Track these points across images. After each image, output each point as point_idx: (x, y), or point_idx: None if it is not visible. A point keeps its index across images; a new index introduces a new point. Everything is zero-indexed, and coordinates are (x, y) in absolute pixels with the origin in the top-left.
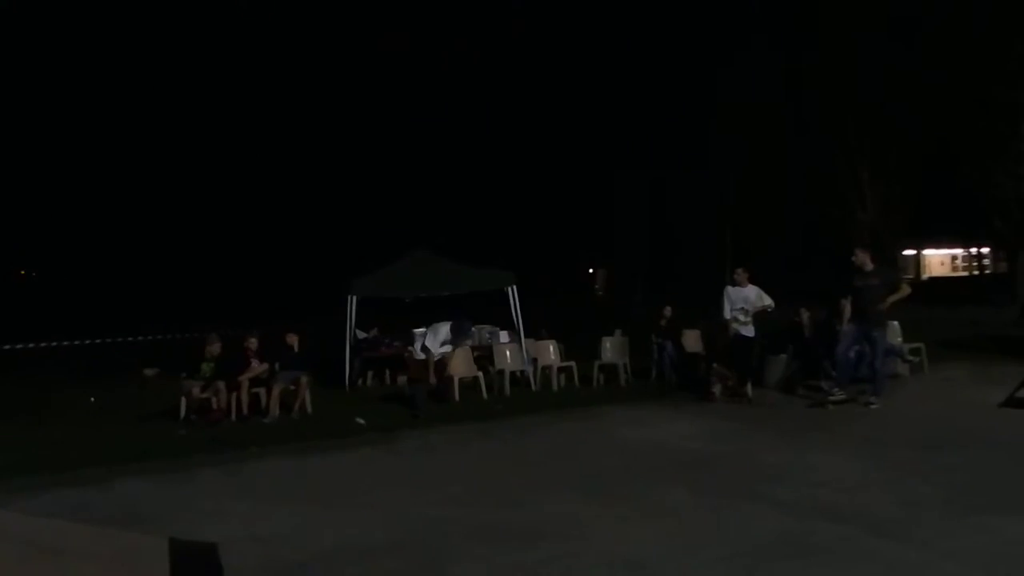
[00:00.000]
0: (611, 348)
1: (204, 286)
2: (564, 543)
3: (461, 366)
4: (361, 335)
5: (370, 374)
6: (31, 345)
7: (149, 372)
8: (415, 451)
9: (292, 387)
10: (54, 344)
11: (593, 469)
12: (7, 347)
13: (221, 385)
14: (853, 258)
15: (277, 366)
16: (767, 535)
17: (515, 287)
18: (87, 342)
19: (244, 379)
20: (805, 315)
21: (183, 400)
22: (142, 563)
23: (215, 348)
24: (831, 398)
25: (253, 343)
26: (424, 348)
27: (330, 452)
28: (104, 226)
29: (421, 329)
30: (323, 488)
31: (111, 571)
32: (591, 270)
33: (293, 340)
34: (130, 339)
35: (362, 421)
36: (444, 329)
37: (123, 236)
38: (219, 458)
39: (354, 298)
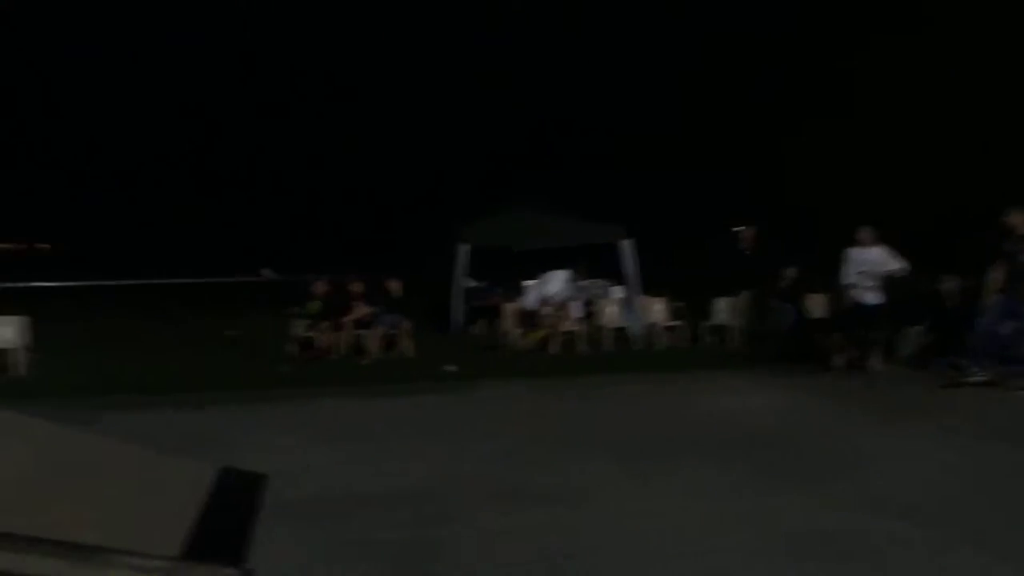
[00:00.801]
0: (724, 309)
1: (318, 230)
2: (571, 511)
3: (564, 319)
4: (470, 283)
5: (482, 323)
6: (176, 281)
7: (230, 334)
8: (484, 402)
9: (393, 331)
10: (200, 281)
11: (644, 437)
12: (155, 281)
13: (325, 325)
14: (1006, 219)
15: (379, 310)
16: (802, 528)
17: (629, 241)
18: (224, 280)
19: (347, 321)
20: (951, 283)
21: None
22: (180, 487)
23: (322, 287)
24: (969, 378)
25: (358, 287)
26: (543, 298)
27: (407, 396)
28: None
29: (533, 280)
30: (382, 431)
31: (146, 492)
32: (740, 227)
33: (395, 286)
34: (254, 279)
35: (452, 368)
36: (557, 280)
37: (239, 178)
38: (303, 393)
39: (464, 246)
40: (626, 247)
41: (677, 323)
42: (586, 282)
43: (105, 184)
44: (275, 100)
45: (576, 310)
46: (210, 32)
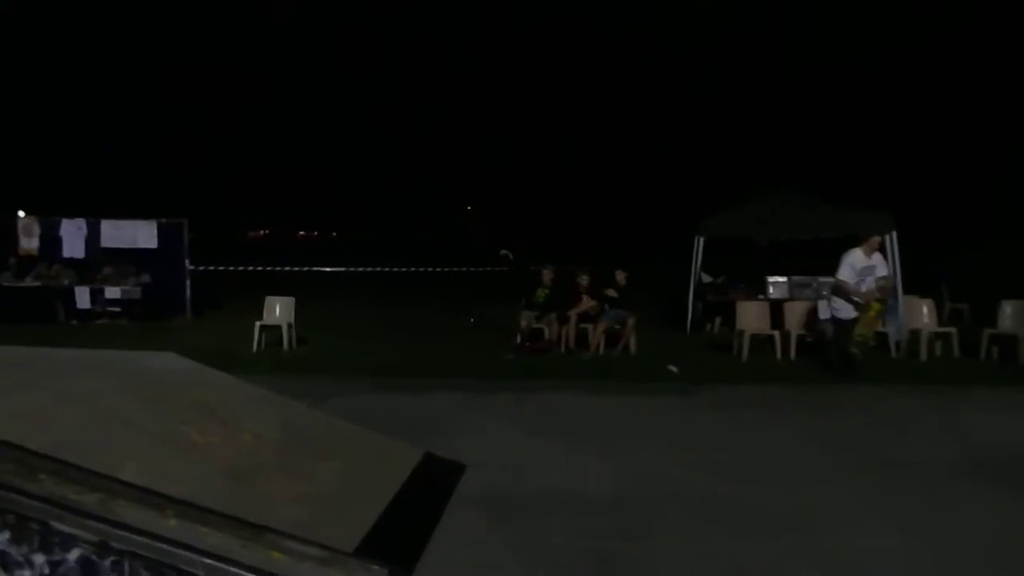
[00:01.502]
0: (1012, 315)
1: (550, 221)
2: (786, 540)
3: (797, 320)
4: (707, 278)
5: (718, 320)
6: (440, 269)
7: (474, 319)
8: (709, 407)
9: (617, 326)
10: (463, 269)
11: (889, 462)
12: (425, 270)
13: (552, 317)
14: None
15: (607, 305)
16: None
17: (895, 233)
18: (472, 269)
19: (573, 314)
20: None
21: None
22: (384, 468)
23: (548, 275)
24: None
25: (584, 279)
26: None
27: (626, 395)
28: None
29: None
30: (595, 430)
31: (356, 466)
32: None
33: (621, 277)
34: (488, 269)
35: (675, 369)
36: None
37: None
38: (524, 385)
39: (701, 239)
40: (891, 240)
41: (949, 329)
42: (819, 279)
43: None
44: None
45: (822, 311)
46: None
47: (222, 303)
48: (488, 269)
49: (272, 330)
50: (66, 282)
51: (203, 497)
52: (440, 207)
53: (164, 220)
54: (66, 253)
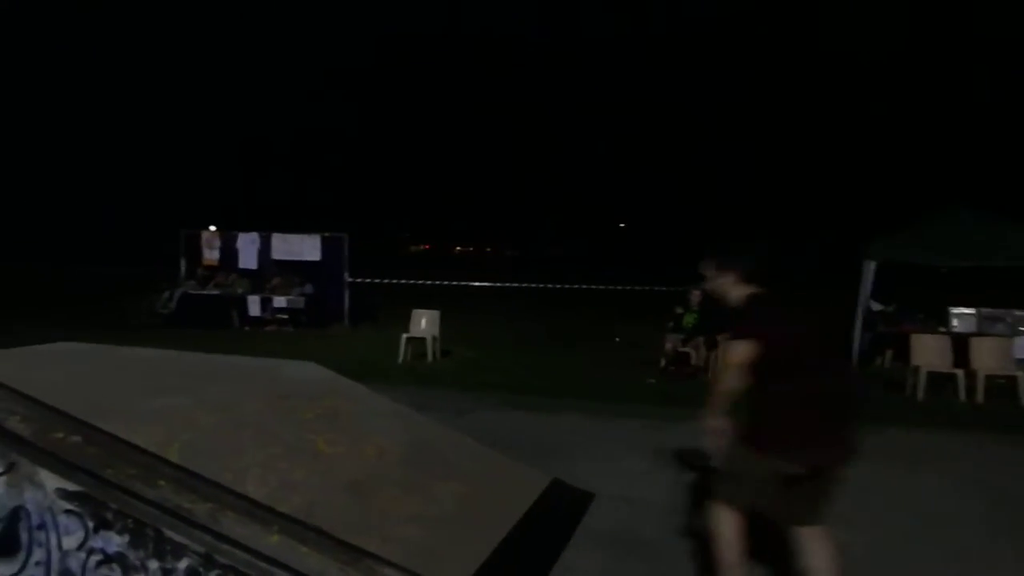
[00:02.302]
0: None
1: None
2: None
3: (987, 358)
4: (877, 307)
5: (889, 354)
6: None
7: (619, 338)
8: (879, 454)
9: None
10: (615, 288)
11: None
12: (577, 287)
13: (700, 341)
14: None
15: None
16: None
17: None
18: (621, 287)
19: (724, 337)
20: None
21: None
22: (507, 491)
23: (696, 297)
24: None
25: None
26: None
27: None
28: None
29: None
30: None
31: (479, 488)
32: None
33: None
34: (644, 288)
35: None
36: None
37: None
38: (664, 412)
39: (872, 263)
40: None
41: None
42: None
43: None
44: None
45: (1019, 349)
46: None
47: (377, 314)
48: (640, 288)
49: (418, 342)
50: (240, 291)
51: (321, 509)
52: (593, 224)
53: (327, 234)
54: (242, 264)
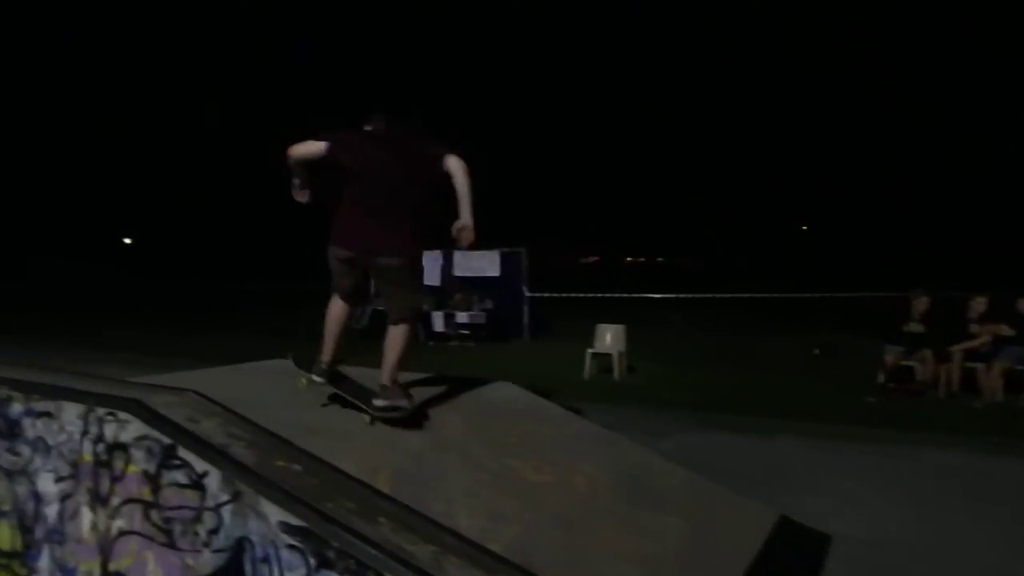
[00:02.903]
0: None
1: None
2: None
3: None
4: None
5: None
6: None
7: (817, 350)
8: None
9: (1020, 367)
10: (803, 295)
11: None
12: (760, 296)
13: (928, 354)
14: None
15: (1004, 339)
16: None
17: None
18: (814, 295)
19: (958, 350)
20: None
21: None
22: (735, 533)
23: (922, 304)
24: None
25: (979, 304)
26: None
27: None
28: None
29: None
30: (989, 503)
31: (699, 525)
32: None
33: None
34: (834, 294)
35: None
36: None
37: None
38: (891, 436)
39: None
40: None
41: None
42: None
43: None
44: None
45: None
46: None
47: (555, 328)
48: (831, 295)
49: (602, 357)
50: (425, 307)
51: (535, 544)
52: (773, 229)
53: (506, 249)
54: (426, 281)
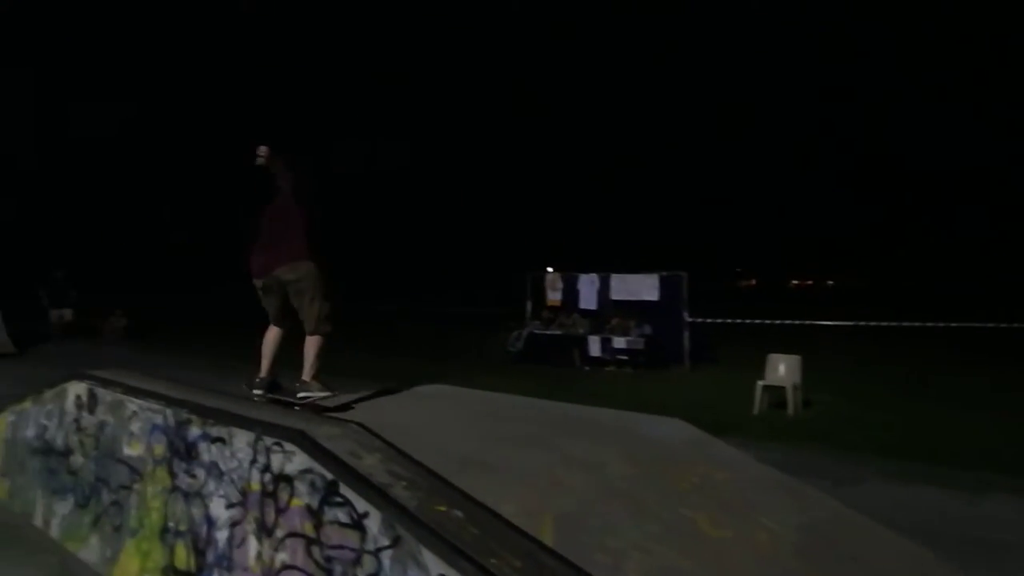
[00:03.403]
0: None
1: None
2: None
3: None
4: None
5: None
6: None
7: None
8: None
9: None
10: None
11: None
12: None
13: None
14: None
15: None
16: None
17: None
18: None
19: None
20: None
21: None
22: None
23: None
24: None
25: None
26: None
27: None
28: None
29: None
30: None
31: None
32: None
33: None
34: None
35: None
36: None
37: None
38: None
39: None
40: None
41: None
42: None
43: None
44: None
45: None
46: None
47: (716, 355)
48: None
49: (774, 390)
50: (581, 331)
51: None
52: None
53: (665, 273)
54: (582, 304)
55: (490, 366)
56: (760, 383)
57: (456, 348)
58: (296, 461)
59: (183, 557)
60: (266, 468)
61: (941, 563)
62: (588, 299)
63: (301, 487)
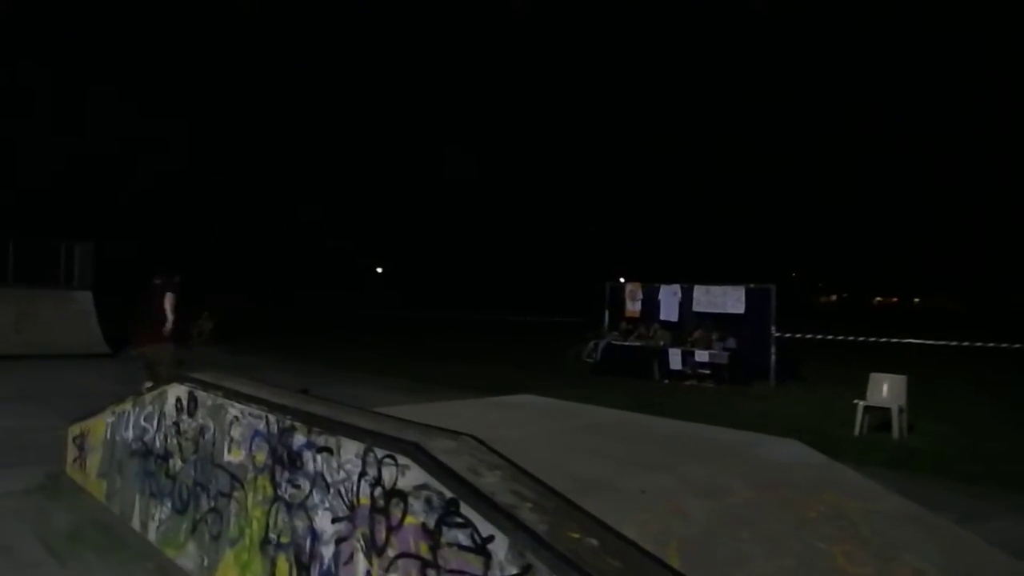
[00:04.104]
0: None
1: None
2: None
3: None
4: None
5: None
6: None
7: None
8: None
9: None
10: None
11: None
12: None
13: None
14: None
15: None
16: None
17: None
18: None
19: None
20: None
21: None
22: None
23: None
24: None
25: None
26: None
27: None
28: None
29: None
30: None
31: None
32: None
33: None
34: None
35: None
36: None
37: None
38: None
39: None
40: None
41: None
42: None
43: None
44: None
45: None
46: None
47: (802, 372)
48: None
49: (876, 412)
50: (662, 343)
51: None
52: None
53: (752, 285)
54: (663, 316)
55: (568, 377)
56: (861, 403)
57: (532, 358)
58: (410, 476)
59: (285, 570)
60: (377, 482)
61: None
62: (669, 310)
63: (416, 504)
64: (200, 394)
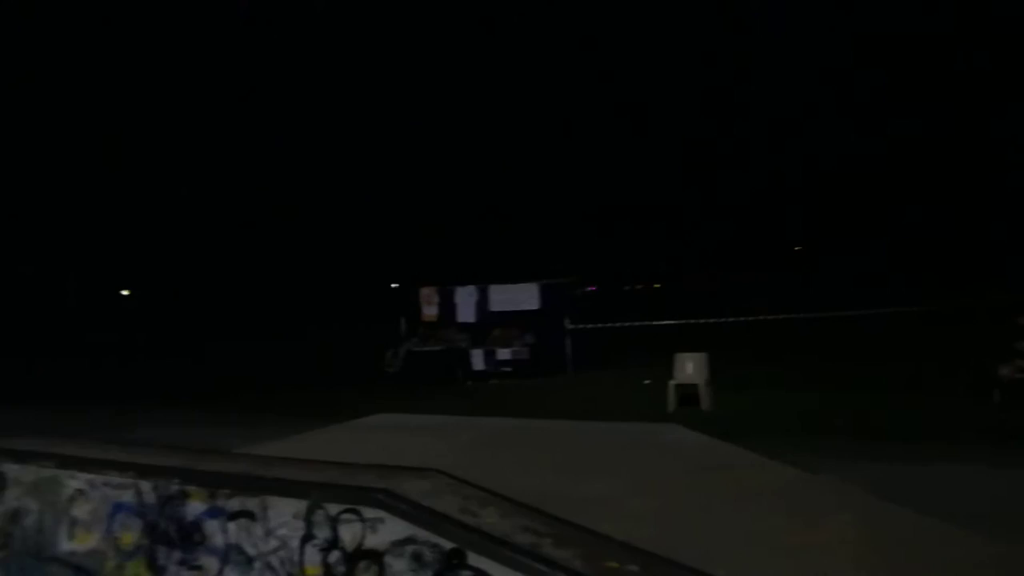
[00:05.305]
0: None
1: None
2: None
3: None
4: None
5: None
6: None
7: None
8: None
9: None
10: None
11: None
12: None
13: None
14: None
15: None
16: None
17: None
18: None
19: None
20: None
21: None
22: None
23: None
24: None
25: None
26: None
27: None
28: None
29: None
30: None
31: None
32: None
33: None
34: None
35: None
36: None
37: None
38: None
39: None
40: None
41: None
42: None
43: None
44: None
45: None
46: None
47: (596, 360)
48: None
49: (685, 388)
50: (463, 345)
51: None
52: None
53: (545, 281)
54: (460, 318)
55: (367, 390)
56: (672, 382)
57: (351, 373)
58: (385, 531)
59: None
60: (332, 544)
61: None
62: (466, 312)
63: (398, 564)
64: (10, 468)
